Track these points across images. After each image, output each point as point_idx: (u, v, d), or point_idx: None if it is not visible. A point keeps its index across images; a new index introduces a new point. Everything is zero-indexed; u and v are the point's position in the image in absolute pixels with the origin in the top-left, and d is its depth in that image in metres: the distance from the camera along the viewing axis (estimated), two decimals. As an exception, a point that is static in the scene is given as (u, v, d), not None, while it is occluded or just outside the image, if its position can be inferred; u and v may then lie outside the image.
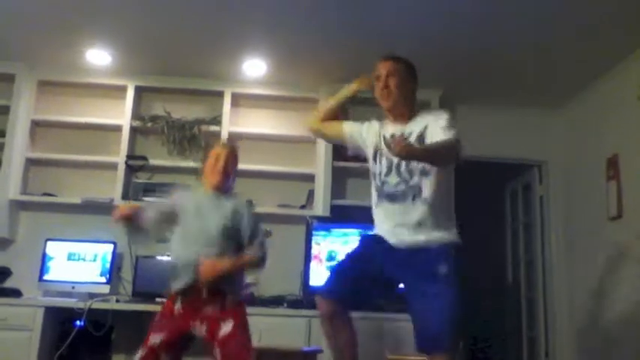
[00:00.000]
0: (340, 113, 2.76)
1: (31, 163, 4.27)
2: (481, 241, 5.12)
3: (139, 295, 3.88)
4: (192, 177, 4.27)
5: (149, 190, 4.09)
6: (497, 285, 5.34)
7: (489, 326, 5.35)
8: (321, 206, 4.15)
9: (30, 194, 4.18)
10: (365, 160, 2.64)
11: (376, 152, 2.50)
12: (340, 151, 4.21)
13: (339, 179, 4.32)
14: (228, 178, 2.61)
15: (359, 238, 2.66)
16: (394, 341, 3.45)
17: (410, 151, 2.15)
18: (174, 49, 3.99)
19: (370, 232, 2.57)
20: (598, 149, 4.04)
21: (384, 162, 2.45)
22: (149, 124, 4.33)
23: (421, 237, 2.36)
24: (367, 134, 2.59)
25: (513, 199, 5.27)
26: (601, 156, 3.98)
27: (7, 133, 4.11)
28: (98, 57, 4.09)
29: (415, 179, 2.37)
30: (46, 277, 3.94)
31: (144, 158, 4.24)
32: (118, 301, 3.81)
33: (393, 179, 2.41)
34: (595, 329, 3.98)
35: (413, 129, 2.43)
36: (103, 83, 4.35)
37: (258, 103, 4.52)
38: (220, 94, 4.36)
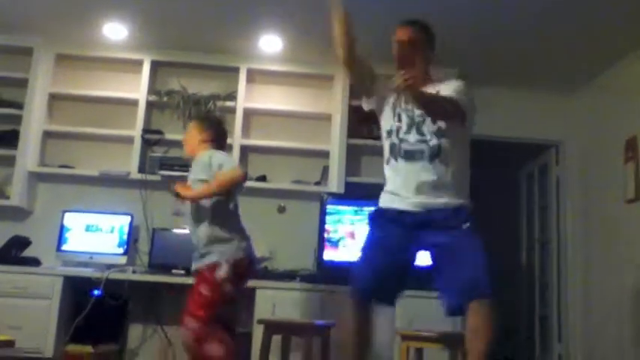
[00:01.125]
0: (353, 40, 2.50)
1: (48, 135, 4.32)
2: (496, 223, 5.12)
3: (155, 267, 3.94)
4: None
5: (165, 163, 4.13)
6: (511, 267, 5.35)
7: (502, 309, 5.36)
8: (335, 183, 4.17)
9: (48, 166, 4.24)
10: (376, 122, 2.62)
11: (395, 108, 2.48)
12: (356, 127, 4.25)
13: (353, 156, 4.33)
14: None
15: (368, 221, 2.51)
16: (405, 317, 3.48)
17: (412, 86, 2.15)
18: (190, 24, 3.99)
19: (378, 208, 2.48)
20: (616, 131, 4.01)
21: (405, 119, 2.44)
22: (165, 99, 4.35)
23: (439, 199, 2.33)
24: (387, 92, 2.53)
25: (529, 181, 5.24)
26: (619, 138, 3.94)
27: (25, 106, 4.15)
28: (115, 31, 4.10)
29: (435, 140, 2.37)
30: (64, 247, 4.02)
31: (160, 132, 4.27)
32: (134, 272, 3.87)
33: (413, 137, 2.40)
34: (610, 314, 3.99)
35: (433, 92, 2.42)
36: (119, 57, 4.37)
37: (273, 79, 4.51)
38: (236, 70, 4.36)
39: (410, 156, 2.39)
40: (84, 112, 4.38)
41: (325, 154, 4.31)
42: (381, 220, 2.46)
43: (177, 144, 4.31)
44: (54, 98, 4.37)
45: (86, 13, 3.88)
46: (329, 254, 3.94)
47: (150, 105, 4.36)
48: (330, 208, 4.02)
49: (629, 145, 3.84)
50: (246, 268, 2.89)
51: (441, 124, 2.37)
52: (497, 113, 4.55)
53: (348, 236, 3.97)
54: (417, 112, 2.40)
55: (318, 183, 4.29)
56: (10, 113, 4.18)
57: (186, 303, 2.78)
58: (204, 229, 2.84)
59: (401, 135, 2.43)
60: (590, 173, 4.40)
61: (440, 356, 3.05)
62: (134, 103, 4.29)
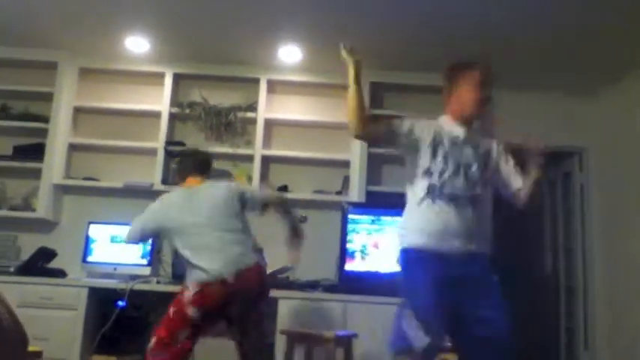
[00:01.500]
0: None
1: (73, 148, 4.40)
2: (519, 231, 5.07)
3: (178, 277, 3.96)
4: (229, 163, 4.35)
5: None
6: (536, 274, 5.27)
7: (526, 316, 5.29)
8: (356, 192, 4.17)
9: (73, 178, 4.31)
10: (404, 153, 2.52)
11: (436, 148, 2.39)
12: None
13: (374, 165, 4.33)
14: None
15: (408, 270, 2.33)
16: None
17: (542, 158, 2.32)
18: (210, 37, 4.03)
19: (412, 252, 2.33)
20: (641, 136, 3.95)
21: (451, 161, 2.37)
22: (187, 111, 4.40)
23: (474, 246, 2.31)
24: (422, 131, 2.44)
25: (553, 188, 5.18)
26: (644, 143, 3.88)
27: (51, 120, 4.24)
28: (137, 44, 4.17)
29: (479, 188, 2.36)
30: (89, 258, 4.07)
31: (182, 144, 4.32)
32: (158, 282, 3.91)
33: (460, 182, 2.35)
34: (636, 321, 3.91)
35: (479, 141, 2.44)
36: (141, 70, 4.44)
37: (293, 89, 4.54)
38: (256, 81, 4.40)
39: (453, 199, 2.32)
40: (108, 125, 4.45)
41: (346, 164, 4.32)
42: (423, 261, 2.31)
43: (199, 155, 4.37)
44: (78, 111, 4.45)
45: (109, 27, 3.95)
46: (351, 264, 3.93)
47: (172, 117, 4.41)
48: (351, 217, 4.01)
49: (655, 151, 3.78)
50: (220, 291, 2.78)
51: (483, 174, 2.39)
52: (520, 119, 4.49)
53: (371, 246, 3.96)
54: (465, 156, 2.37)
55: (339, 192, 4.29)
56: (36, 127, 4.27)
57: None
58: None
59: (445, 176, 2.35)
60: (615, 179, 4.33)
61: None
62: (157, 115, 4.35)
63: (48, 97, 4.28)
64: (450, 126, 2.44)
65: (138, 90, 4.50)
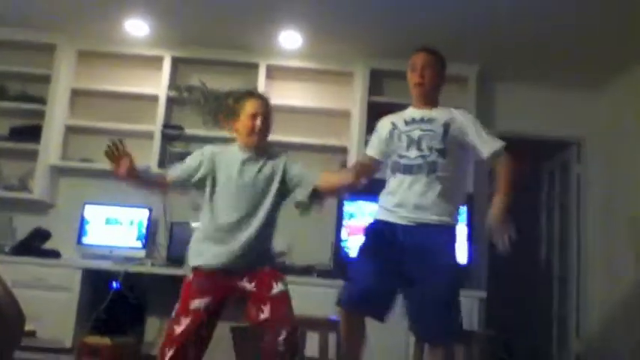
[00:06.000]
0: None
1: (70, 130, 4.38)
2: (515, 220, 5.06)
3: (173, 260, 3.97)
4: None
5: (185, 158, 4.13)
6: (529, 264, 5.28)
7: (519, 305, 5.31)
8: (353, 179, 4.15)
9: (69, 160, 4.30)
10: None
11: (392, 133, 2.58)
12: (374, 123, 4.23)
13: (371, 153, 4.31)
14: (267, 136, 2.60)
15: (365, 232, 2.60)
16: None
17: (505, 214, 2.35)
18: (210, 21, 4.01)
19: (374, 221, 2.56)
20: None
21: (404, 138, 2.53)
22: (185, 95, 4.38)
23: (427, 214, 2.43)
24: (379, 133, 2.68)
25: (550, 178, 5.18)
26: (643, 134, 3.87)
27: (48, 102, 4.23)
28: (136, 27, 4.14)
29: (433, 156, 2.47)
30: (84, 240, 4.07)
31: (180, 128, 4.31)
32: (153, 265, 3.90)
33: (413, 153, 2.49)
34: (630, 313, 3.91)
35: (437, 116, 2.55)
36: (140, 54, 4.42)
37: (292, 75, 4.52)
38: (255, 66, 4.38)
39: (408, 170, 2.49)
40: (105, 108, 4.43)
41: (344, 150, 4.31)
42: (376, 233, 2.52)
43: (197, 139, 4.35)
44: (76, 94, 4.43)
45: (108, 9, 3.92)
46: (346, 249, 3.92)
47: (170, 101, 4.39)
48: (347, 203, 4.00)
49: (653, 142, 3.77)
50: (211, 275, 2.46)
51: (440, 144, 2.48)
52: (518, 110, 4.50)
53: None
54: (419, 130, 2.52)
55: (336, 179, 4.28)
56: (33, 108, 4.26)
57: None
58: None
59: (402, 152, 2.52)
60: (613, 170, 4.33)
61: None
62: (154, 98, 4.33)
63: (45, 79, 4.26)
64: (409, 112, 2.63)
65: (136, 73, 4.48)
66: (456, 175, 2.53)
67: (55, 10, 3.98)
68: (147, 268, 3.82)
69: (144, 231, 4.06)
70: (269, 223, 2.52)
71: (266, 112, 2.56)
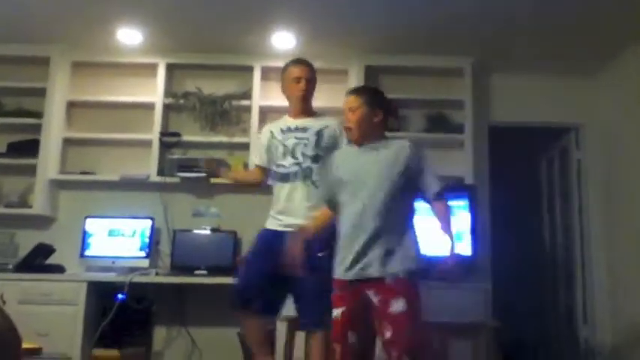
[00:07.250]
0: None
1: (68, 143, 4.36)
2: (517, 210, 5.05)
3: (177, 268, 3.96)
4: (225, 152, 4.32)
5: (184, 165, 4.14)
6: (534, 253, 5.26)
7: (526, 294, 5.29)
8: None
9: (69, 173, 4.29)
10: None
11: (271, 144, 2.81)
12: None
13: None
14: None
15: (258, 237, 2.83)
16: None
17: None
18: (202, 25, 3.99)
19: (265, 229, 2.78)
20: (639, 111, 3.90)
21: (280, 148, 2.76)
22: (181, 101, 4.36)
23: (294, 220, 2.61)
24: (263, 143, 2.92)
25: (550, 166, 5.15)
26: (642, 118, 3.84)
27: (45, 115, 4.20)
28: (129, 36, 4.12)
29: (307, 163, 2.66)
30: (87, 253, 4.06)
31: (177, 134, 4.29)
32: (157, 274, 3.89)
33: (288, 161, 2.69)
34: (636, 296, 3.89)
35: (311, 124, 2.78)
36: (134, 62, 4.39)
37: (287, 76, 4.49)
38: (250, 69, 4.36)
39: (285, 178, 2.71)
40: (102, 118, 4.42)
41: (342, 149, 4.28)
42: (264, 238, 2.77)
43: (195, 145, 4.35)
44: (72, 106, 4.42)
45: (100, 19, 3.91)
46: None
47: (166, 108, 4.38)
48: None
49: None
50: None
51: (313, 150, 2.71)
52: (515, 100, 4.48)
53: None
54: (293, 139, 2.75)
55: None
56: (30, 123, 4.23)
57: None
58: None
59: (278, 162, 2.76)
60: (613, 156, 4.30)
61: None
62: (151, 106, 4.31)
63: (41, 93, 4.24)
64: (285, 121, 2.87)
65: (131, 82, 4.45)
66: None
67: (47, 22, 3.96)
68: (151, 278, 3.81)
69: (147, 240, 4.05)
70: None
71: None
